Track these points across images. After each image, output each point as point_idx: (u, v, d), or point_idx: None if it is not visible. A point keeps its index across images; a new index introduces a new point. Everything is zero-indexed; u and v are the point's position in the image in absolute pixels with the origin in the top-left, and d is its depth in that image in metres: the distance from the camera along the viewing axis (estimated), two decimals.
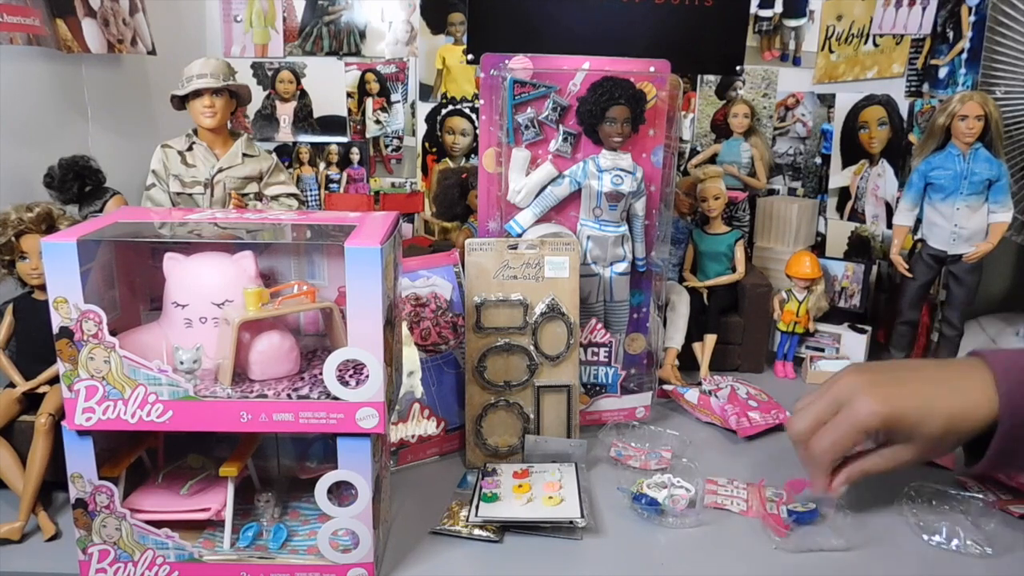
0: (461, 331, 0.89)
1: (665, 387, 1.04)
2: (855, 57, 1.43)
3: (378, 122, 1.57)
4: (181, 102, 1.03)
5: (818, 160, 1.53)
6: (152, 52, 1.25)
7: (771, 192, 1.54)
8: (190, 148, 1.03)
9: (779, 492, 0.79)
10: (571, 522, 0.73)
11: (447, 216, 1.25)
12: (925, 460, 0.73)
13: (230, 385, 0.63)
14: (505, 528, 0.74)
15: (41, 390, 0.76)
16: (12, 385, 0.77)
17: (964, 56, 1.21)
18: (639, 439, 0.91)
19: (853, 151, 1.45)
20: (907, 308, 1.13)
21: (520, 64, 0.89)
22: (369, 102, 1.56)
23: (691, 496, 0.76)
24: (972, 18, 1.20)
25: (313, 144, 1.57)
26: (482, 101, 0.91)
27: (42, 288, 0.77)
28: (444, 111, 1.57)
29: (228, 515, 0.67)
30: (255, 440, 0.73)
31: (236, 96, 1.04)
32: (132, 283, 0.70)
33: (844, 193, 1.46)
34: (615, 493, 0.80)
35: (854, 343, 1.18)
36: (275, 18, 1.52)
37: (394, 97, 1.56)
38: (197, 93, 1.00)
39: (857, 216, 1.43)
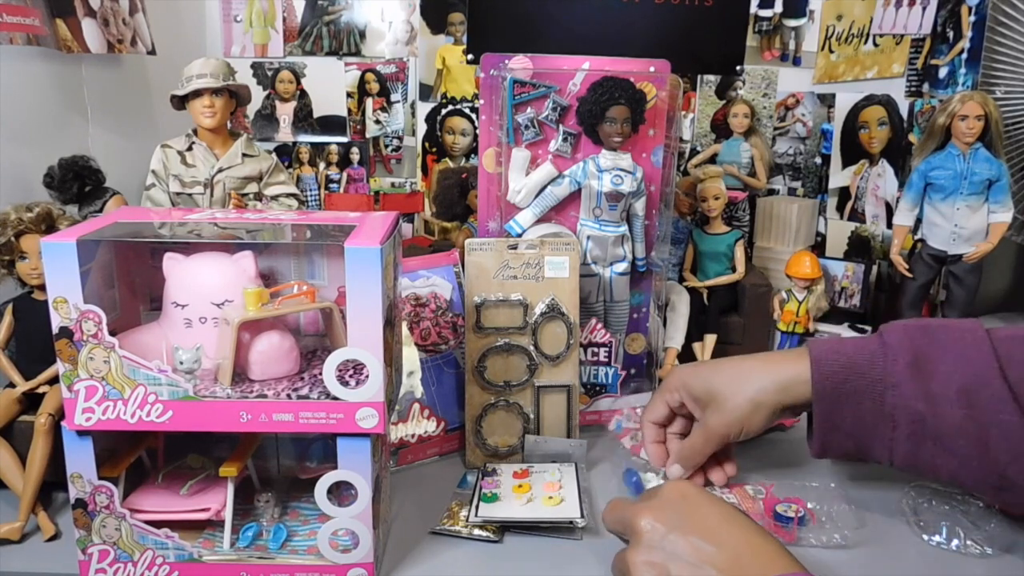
0: (461, 331, 0.89)
1: None
2: (855, 57, 1.43)
3: (378, 122, 1.57)
4: (181, 102, 1.03)
5: (818, 160, 1.53)
6: (152, 52, 1.25)
7: (771, 192, 1.54)
8: (190, 148, 1.03)
9: (759, 489, 0.79)
10: (571, 522, 0.73)
11: (447, 216, 1.25)
12: (731, 427, 0.72)
13: (230, 385, 0.63)
14: (505, 528, 0.74)
15: (41, 390, 0.76)
16: (12, 385, 0.77)
17: (964, 56, 1.21)
18: None
19: (853, 151, 1.45)
20: (907, 308, 1.13)
21: (520, 64, 0.89)
22: (369, 102, 1.56)
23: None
24: (972, 18, 1.20)
25: (313, 144, 1.57)
26: (482, 101, 0.91)
27: (42, 288, 0.77)
28: (444, 111, 1.57)
29: (228, 515, 0.67)
30: (255, 440, 0.73)
31: (236, 96, 1.04)
32: (132, 283, 0.70)
33: (844, 193, 1.46)
34: (616, 493, 0.80)
35: None
36: (275, 18, 1.52)
37: (394, 97, 1.56)
38: (197, 93, 1.00)
39: (857, 216, 1.43)
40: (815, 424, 0.71)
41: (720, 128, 1.52)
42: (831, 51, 1.48)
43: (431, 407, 0.87)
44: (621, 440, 0.87)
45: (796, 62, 1.53)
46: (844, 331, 1.19)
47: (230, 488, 0.68)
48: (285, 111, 1.56)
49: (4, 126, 0.97)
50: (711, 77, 1.55)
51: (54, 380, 0.75)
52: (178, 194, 1.02)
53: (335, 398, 0.61)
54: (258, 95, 1.53)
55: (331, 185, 1.59)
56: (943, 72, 1.26)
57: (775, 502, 0.75)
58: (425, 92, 1.56)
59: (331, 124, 1.57)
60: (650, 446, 0.80)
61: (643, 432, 0.81)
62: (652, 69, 0.91)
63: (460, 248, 0.94)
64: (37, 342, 0.77)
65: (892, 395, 0.68)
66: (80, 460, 0.62)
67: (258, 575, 0.65)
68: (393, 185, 1.60)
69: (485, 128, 0.91)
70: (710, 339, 1.13)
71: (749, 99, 1.50)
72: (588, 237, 0.92)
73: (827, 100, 1.50)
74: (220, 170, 1.02)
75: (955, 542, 0.72)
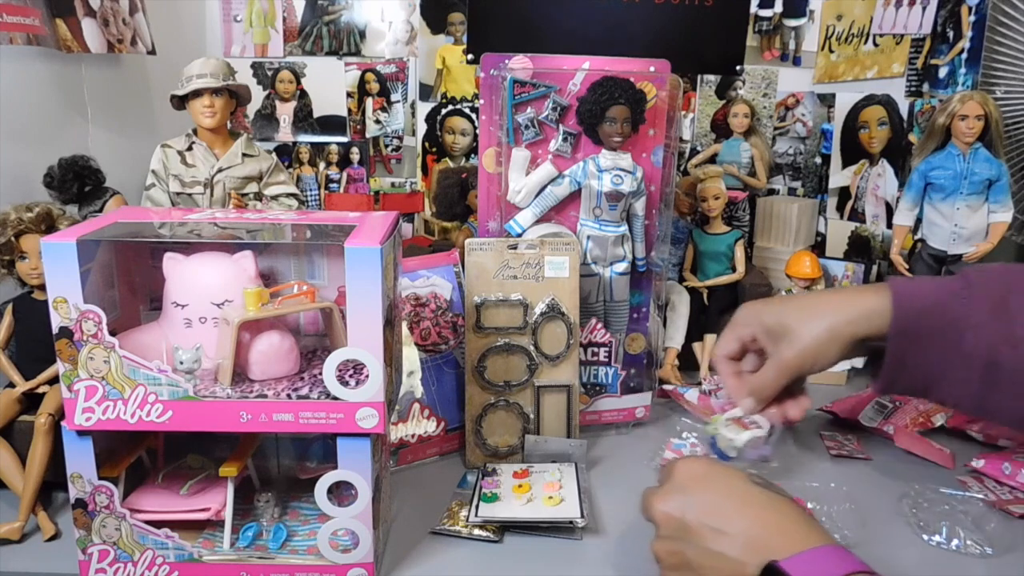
0: (461, 331, 0.89)
1: (665, 387, 1.04)
2: (855, 57, 1.43)
3: (378, 122, 1.57)
4: (181, 102, 1.03)
5: (818, 160, 1.53)
6: (152, 52, 1.25)
7: (771, 192, 1.54)
8: (190, 148, 1.03)
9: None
10: (571, 522, 0.73)
11: (447, 216, 1.25)
12: (806, 359, 0.69)
13: (230, 385, 0.63)
14: (505, 528, 0.74)
15: (41, 390, 0.76)
16: (12, 385, 0.77)
17: (964, 56, 1.21)
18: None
19: (853, 151, 1.45)
20: None
21: (520, 64, 0.89)
22: (369, 102, 1.56)
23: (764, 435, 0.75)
24: (972, 18, 1.20)
25: (313, 144, 1.57)
26: (482, 101, 0.91)
27: (42, 288, 0.77)
28: (444, 111, 1.57)
29: (228, 515, 0.67)
30: (255, 440, 0.73)
31: (236, 96, 1.04)
32: (132, 283, 0.70)
33: (844, 193, 1.46)
34: (615, 493, 0.80)
35: None
36: (275, 18, 1.52)
37: (394, 97, 1.56)
38: (197, 93, 1.00)
39: (857, 216, 1.43)
40: (887, 358, 0.68)
41: (720, 128, 1.52)
42: (831, 51, 1.48)
43: (431, 407, 0.87)
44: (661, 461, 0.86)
45: (796, 62, 1.53)
46: None
47: (230, 488, 0.68)
48: (285, 111, 1.56)
49: (4, 126, 0.97)
50: (711, 77, 1.55)
51: (54, 380, 0.75)
52: (178, 194, 1.02)
53: (335, 398, 0.61)
54: (258, 95, 1.53)
55: (331, 185, 1.59)
56: (943, 72, 1.26)
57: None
58: (425, 92, 1.56)
59: (331, 124, 1.57)
60: (728, 379, 0.77)
61: (718, 368, 0.77)
62: (652, 69, 0.91)
63: (460, 248, 0.94)
64: (37, 342, 0.77)
65: (972, 335, 0.65)
66: (80, 460, 0.62)
67: (258, 575, 0.65)
68: (393, 185, 1.60)
69: (485, 128, 0.91)
70: (710, 339, 1.13)
71: (749, 99, 1.50)
72: (588, 237, 0.92)
73: (827, 100, 1.50)
74: (220, 170, 1.02)
75: (955, 542, 0.72)
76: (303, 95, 1.55)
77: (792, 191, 1.58)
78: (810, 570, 0.50)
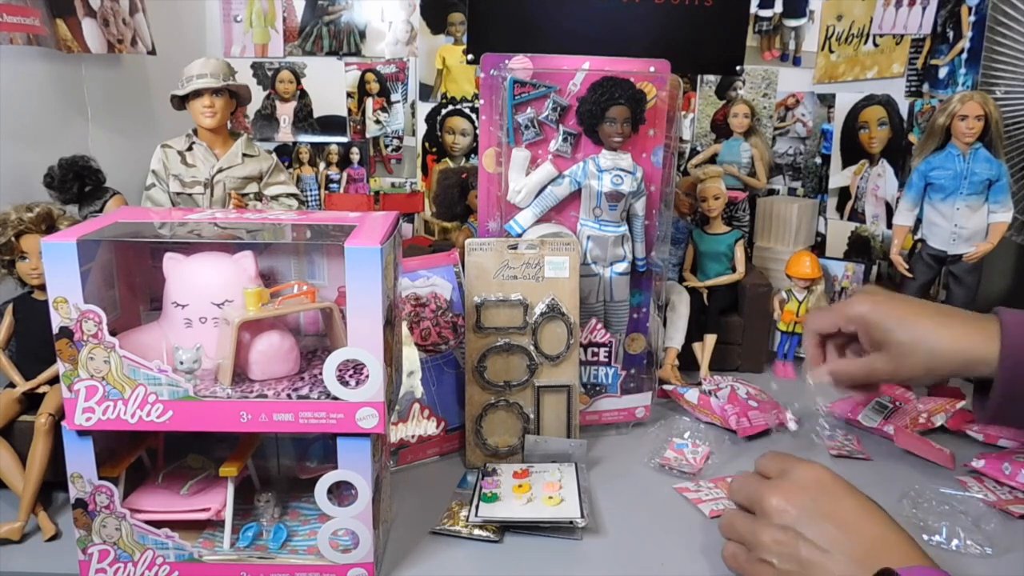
0: (461, 331, 0.89)
1: (665, 387, 1.04)
2: (855, 57, 1.43)
3: (378, 122, 1.57)
4: (181, 102, 1.03)
5: (818, 160, 1.53)
6: (152, 52, 1.25)
7: (771, 192, 1.54)
8: (190, 148, 1.03)
9: None
10: (571, 522, 0.73)
11: (447, 216, 1.25)
12: (899, 376, 0.72)
13: (230, 385, 0.63)
14: (505, 528, 0.74)
15: (41, 390, 0.76)
16: (12, 385, 0.77)
17: (964, 56, 1.21)
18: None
19: (853, 151, 1.45)
20: None
21: (520, 64, 0.89)
22: (369, 102, 1.56)
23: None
24: (972, 18, 1.20)
25: (313, 144, 1.57)
26: (482, 101, 0.91)
27: (42, 288, 0.77)
28: (444, 111, 1.57)
29: (228, 515, 0.67)
30: (255, 440, 0.73)
31: (236, 96, 1.04)
32: (132, 283, 0.70)
33: (844, 193, 1.46)
34: (615, 493, 0.80)
35: None
36: (275, 18, 1.52)
37: (394, 97, 1.56)
38: (197, 93, 1.00)
39: (857, 216, 1.43)
40: (995, 393, 0.69)
41: (720, 128, 1.52)
42: (831, 51, 1.48)
43: (431, 407, 0.87)
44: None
45: (796, 62, 1.53)
46: None
47: (230, 488, 0.68)
48: (285, 111, 1.56)
49: (4, 126, 0.97)
50: (711, 77, 1.55)
51: (54, 380, 0.75)
52: (178, 194, 1.02)
53: (335, 398, 0.61)
54: (258, 95, 1.53)
55: (331, 185, 1.59)
56: (943, 72, 1.26)
57: None
58: (425, 92, 1.56)
59: (331, 124, 1.57)
60: (811, 348, 0.79)
61: (805, 336, 0.79)
62: (652, 69, 0.91)
63: (460, 248, 0.94)
64: (37, 342, 0.77)
65: None
66: (80, 460, 0.62)
67: (258, 575, 0.65)
68: (393, 185, 1.60)
69: (485, 128, 0.91)
70: (710, 339, 1.13)
71: (749, 99, 1.50)
72: (588, 237, 0.92)
73: (827, 100, 1.50)
74: (220, 170, 1.02)
75: (955, 542, 0.72)
76: (303, 95, 1.55)
77: (792, 191, 1.58)
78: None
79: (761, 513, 0.59)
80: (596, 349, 0.95)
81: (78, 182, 0.94)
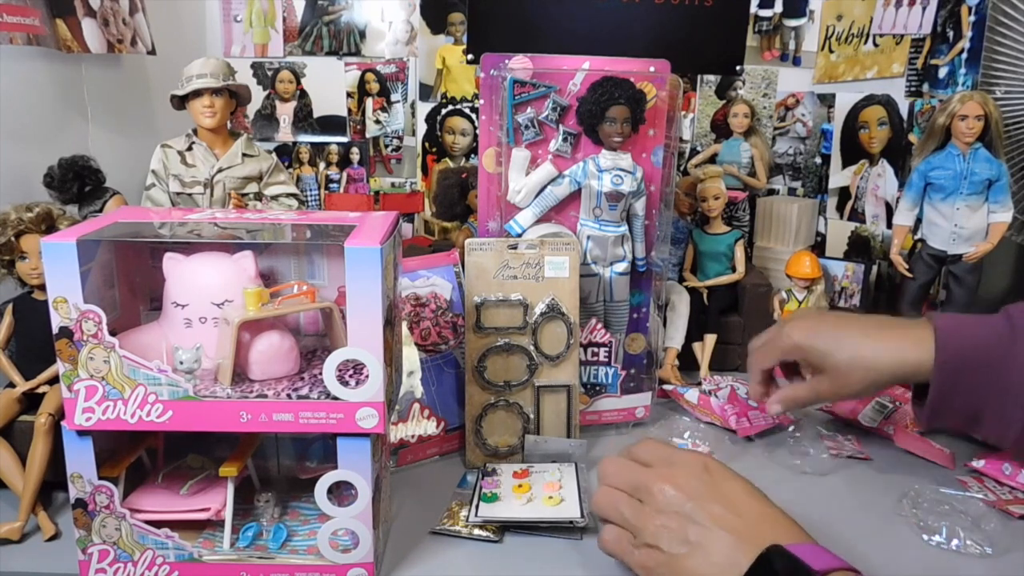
0: (461, 331, 0.89)
1: (665, 387, 1.04)
2: (855, 57, 1.43)
3: (378, 122, 1.57)
4: (181, 102, 1.03)
5: (818, 160, 1.53)
6: (152, 52, 1.25)
7: (771, 192, 1.54)
8: (190, 148, 1.03)
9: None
10: (571, 522, 0.73)
11: (447, 216, 1.25)
12: (842, 395, 0.75)
13: (230, 385, 0.63)
14: (505, 528, 0.74)
15: (41, 390, 0.76)
16: (12, 385, 0.77)
17: (964, 56, 1.21)
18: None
19: (853, 151, 1.45)
20: (907, 308, 1.13)
21: (520, 64, 0.89)
22: (369, 102, 1.56)
23: None
24: (972, 18, 1.20)
25: (313, 144, 1.57)
26: (482, 101, 0.91)
27: (42, 288, 0.77)
28: (444, 111, 1.57)
29: (228, 515, 0.67)
30: (255, 440, 0.73)
31: (236, 96, 1.04)
32: (132, 283, 0.70)
33: (844, 193, 1.46)
34: None
35: None
36: (275, 18, 1.52)
37: (394, 97, 1.56)
38: (197, 93, 1.00)
39: (857, 216, 1.43)
40: (930, 400, 0.71)
41: (720, 128, 1.52)
42: (831, 51, 1.48)
43: (431, 407, 0.87)
44: None
45: (796, 62, 1.53)
46: None
47: (230, 488, 0.68)
48: (285, 111, 1.56)
49: (4, 126, 0.97)
50: (711, 77, 1.55)
51: (54, 380, 0.75)
52: (178, 194, 1.02)
53: (335, 398, 0.61)
54: (258, 95, 1.53)
55: (331, 185, 1.59)
56: (943, 72, 1.26)
57: None
58: (425, 92, 1.56)
59: (331, 124, 1.57)
60: (754, 385, 0.83)
61: (750, 374, 0.82)
62: (652, 69, 0.91)
63: (460, 248, 0.94)
64: (37, 342, 0.77)
65: (1019, 380, 0.68)
66: (80, 460, 0.62)
67: (258, 575, 0.65)
68: (393, 185, 1.60)
69: (485, 128, 0.91)
70: (710, 339, 1.13)
71: (749, 99, 1.50)
72: (588, 237, 0.92)
73: (827, 100, 1.50)
74: (220, 170, 1.02)
75: (955, 542, 0.72)
76: (303, 95, 1.55)
77: (792, 191, 1.58)
78: (812, 559, 0.52)
79: (648, 498, 0.60)
80: (596, 349, 0.95)
81: (78, 182, 0.94)
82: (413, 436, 0.86)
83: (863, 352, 0.72)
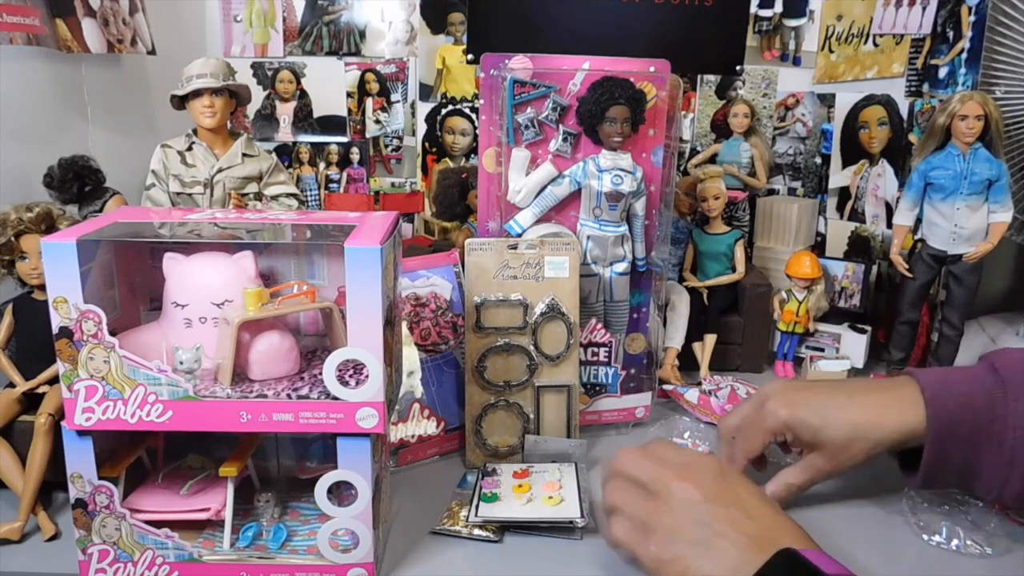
0: (461, 331, 0.89)
1: (665, 387, 1.04)
2: (855, 57, 1.43)
3: (378, 122, 1.57)
4: (181, 102, 1.03)
5: (818, 160, 1.53)
6: (152, 52, 1.25)
7: (771, 192, 1.54)
8: (190, 148, 1.03)
9: None
10: (571, 522, 0.73)
11: (447, 216, 1.25)
12: (842, 469, 0.73)
13: (230, 385, 0.63)
14: (505, 528, 0.74)
15: (41, 390, 0.76)
16: (12, 385, 0.77)
17: (964, 56, 1.21)
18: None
19: (853, 151, 1.45)
20: (907, 308, 1.13)
21: (520, 64, 0.89)
22: (369, 102, 1.56)
23: None
24: (972, 18, 1.20)
25: (313, 144, 1.57)
26: (482, 101, 0.91)
27: (42, 288, 0.77)
28: (444, 111, 1.57)
29: (228, 515, 0.67)
30: (255, 440, 0.73)
31: (236, 96, 1.04)
32: (132, 283, 0.70)
33: (844, 193, 1.46)
34: None
35: (854, 343, 1.18)
36: (275, 18, 1.52)
37: (394, 97, 1.56)
38: (197, 93, 1.00)
39: (857, 216, 1.43)
40: (925, 463, 0.70)
41: (720, 128, 1.52)
42: (831, 51, 1.48)
43: (431, 407, 0.87)
44: None
45: (796, 62, 1.53)
46: (844, 331, 1.18)
47: (230, 488, 0.68)
48: (285, 111, 1.56)
49: (4, 126, 0.97)
50: (711, 77, 1.55)
51: (54, 380, 0.75)
52: (178, 194, 1.02)
53: (335, 398, 0.61)
54: (258, 95, 1.53)
55: (331, 185, 1.59)
56: (943, 72, 1.26)
57: None
58: (425, 92, 1.56)
59: (331, 124, 1.57)
60: (740, 471, 0.77)
61: (739, 462, 0.77)
62: (652, 69, 0.91)
63: (460, 248, 0.94)
64: (37, 342, 0.77)
65: (1012, 437, 0.67)
66: (80, 460, 0.62)
67: (258, 575, 0.65)
68: (393, 185, 1.60)
69: (485, 128, 0.91)
70: (710, 339, 1.13)
71: (749, 99, 1.50)
72: (588, 237, 0.92)
73: (827, 100, 1.50)
74: (220, 170, 1.02)
75: (955, 542, 0.72)
76: (303, 95, 1.55)
77: (792, 191, 1.58)
78: (823, 565, 0.52)
79: (665, 495, 0.60)
80: (596, 349, 0.95)
81: (78, 182, 0.94)
82: (413, 436, 0.86)
83: (860, 421, 0.71)
